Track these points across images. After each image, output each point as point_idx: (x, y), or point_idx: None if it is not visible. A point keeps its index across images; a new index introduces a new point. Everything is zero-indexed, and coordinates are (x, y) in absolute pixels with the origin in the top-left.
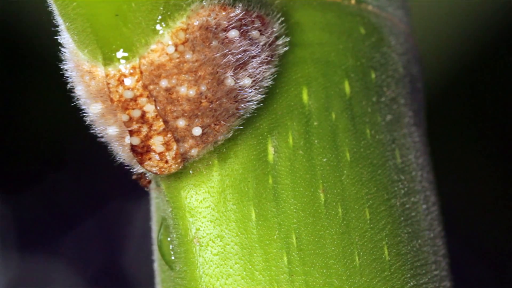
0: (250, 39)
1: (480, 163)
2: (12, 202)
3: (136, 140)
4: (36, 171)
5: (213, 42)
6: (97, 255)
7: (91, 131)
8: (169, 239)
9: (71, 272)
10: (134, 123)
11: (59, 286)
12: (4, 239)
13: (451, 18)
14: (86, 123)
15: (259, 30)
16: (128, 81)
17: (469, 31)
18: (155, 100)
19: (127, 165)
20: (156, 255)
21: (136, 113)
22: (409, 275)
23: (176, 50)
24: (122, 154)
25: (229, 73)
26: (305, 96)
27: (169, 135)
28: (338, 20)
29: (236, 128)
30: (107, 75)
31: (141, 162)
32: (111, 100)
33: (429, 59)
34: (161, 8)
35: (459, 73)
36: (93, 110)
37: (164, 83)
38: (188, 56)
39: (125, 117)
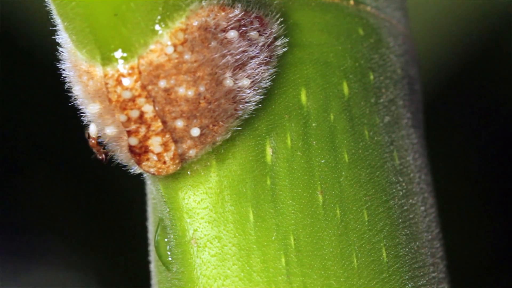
0: (249, 39)
1: (479, 165)
2: (7, 202)
3: (134, 141)
4: (32, 171)
5: (212, 43)
6: (93, 255)
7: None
8: (166, 240)
9: (66, 272)
10: (132, 123)
11: (53, 287)
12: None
13: (449, 19)
14: (84, 123)
15: (258, 31)
16: (126, 81)
17: (468, 32)
18: (153, 101)
19: (125, 166)
20: (153, 256)
21: (134, 114)
22: (407, 277)
23: (175, 50)
24: (120, 154)
25: (228, 73)
26: (303, 97)
27: (167, 136)
28: (336, 21)
29: (235, 129)
30: (105, 75)
31: (139, 163)
32: (109, 100)
33: (427, 61)
34: (160, 8)
35: (458, 74)
36: (91, 110)
37: (162, 83)
38: (187, 56)
39: (123, 118)
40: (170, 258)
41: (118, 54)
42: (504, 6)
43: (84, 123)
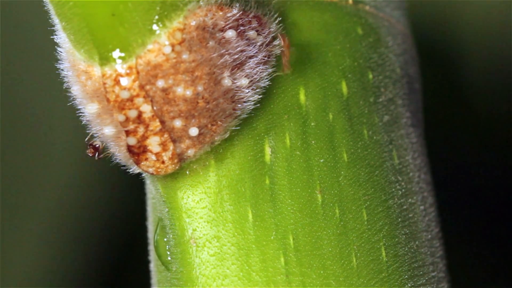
0: (247, 39)
1: (478, 164)
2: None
3: (132, 140)
4: (31, 170)
5: (210, 42)
6: (93, 255)
7: (87, 131)
8: (165, 239)
9: (65, 272)
10: (131, 123)
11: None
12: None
13: (449, 19)
14: (82, 123)
15: (256, 30)
16: (124, 81)
17: (468, 32)
18: (151, 100)
19: (124, 165)
20: (152, 256)
21: (133, 113)
22: (406, 276)
23: (173, 50)
24: (118, 154)
25: (226, 73)
26: (302, 97)
27: (165, 136)
28: (335, 20)
29: (233, 128)
30: (103, 75)
31: (137, 163)
32: (108, 100)
33: (426, 60)
34: (158, 8)
35: (457, 74)
36: (89, 110)
37: (160, 83)
38: (185, 56)
39: (121, 117)
40: (169, 258)
41: (116, 54)
42: (503, 7)
43: (82, 123)
